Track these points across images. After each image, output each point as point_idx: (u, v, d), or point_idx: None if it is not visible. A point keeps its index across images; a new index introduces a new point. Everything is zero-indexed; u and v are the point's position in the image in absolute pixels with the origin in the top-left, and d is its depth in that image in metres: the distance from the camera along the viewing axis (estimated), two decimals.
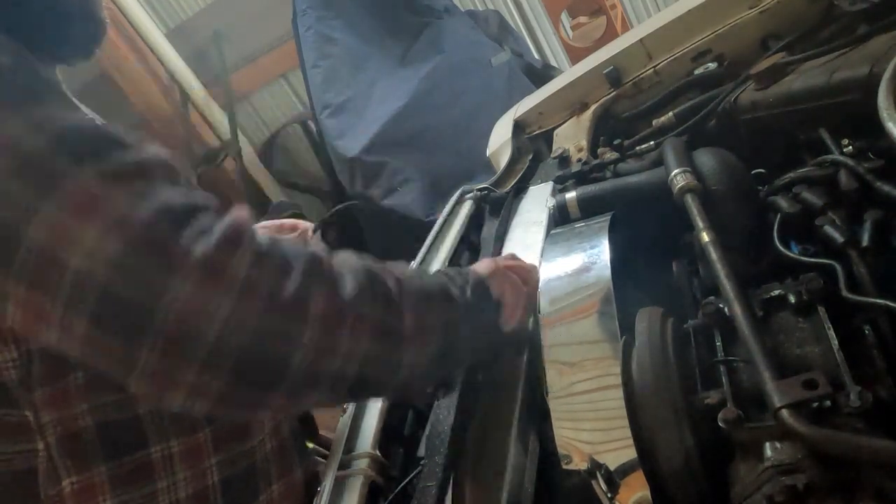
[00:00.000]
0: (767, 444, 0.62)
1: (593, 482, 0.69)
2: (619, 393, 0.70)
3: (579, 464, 0.71)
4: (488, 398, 0.88)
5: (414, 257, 1.26)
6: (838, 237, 0.77)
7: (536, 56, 3.54)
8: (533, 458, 0.79)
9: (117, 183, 0.59)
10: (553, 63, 3.57)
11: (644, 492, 0.65)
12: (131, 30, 3.65)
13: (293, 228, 1.41)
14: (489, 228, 1.31)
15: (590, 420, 0.76)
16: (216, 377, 0.59)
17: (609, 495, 0.67)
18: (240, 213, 0.64)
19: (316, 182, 4.04)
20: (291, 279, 0.61)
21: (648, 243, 1.03)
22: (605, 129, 1.44)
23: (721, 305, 0.77)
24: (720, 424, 0.64)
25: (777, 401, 0.59)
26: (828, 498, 0.56)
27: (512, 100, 1.93)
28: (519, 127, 1.64)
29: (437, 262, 1.23)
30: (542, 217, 1.19)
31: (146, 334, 0.57)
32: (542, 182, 1.40)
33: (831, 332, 0.68)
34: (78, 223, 0.57)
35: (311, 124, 3.67)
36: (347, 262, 0.69)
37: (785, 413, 0.58)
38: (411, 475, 0.88)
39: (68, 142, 0.59)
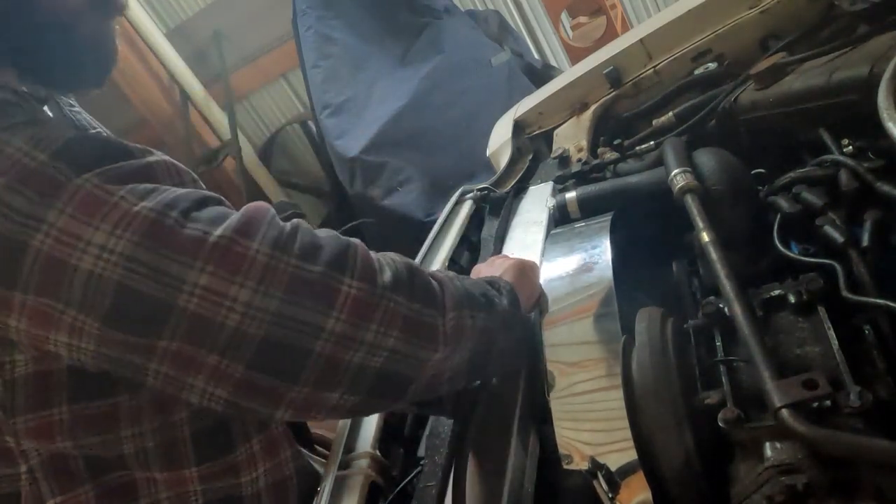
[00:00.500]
0: (767, 444, 0.62)
1: (594, 482, 0.69)
2: (620, 393, 0.70)
3: (580, 464, 0.71)
4: (488, 398, 0.88)
5: (414, 257, 1.26)
6: (838, 237, 0.77)
7: (536, 56, 3.53)
8: (533, 458, 0.79)
9: (122, 184, 0.59)
10: (553, 63, 3.57)
11: (646, 494, 0.65)
12: (131, 30, 3.64)
13: None
14: (489, 228, 1.31)
15: (591, 420, 0.76)
16: (237, 362, 0.59)
17: (610, 496, 0.67)
18: (257, 203, 0.63)
19: (316, 182, 4.03)
20: (318, 264, 0.61)
21: (648, 243, 1.03)
22: (606, 129, 1.44)
23: (721, 305, 0.77)
24: (720, 424, 0.64)
25: (777, 401, 0.58)
26: (828, 498, 0.56)
27: (512, 100, 1.93)
28: (519, 127, 1.63)
29: (437, 263, 1.22)
30: (542, 217, 1.19)
31: (166, 324, 0.57)
32: (542, 182, 1.40)
33: (831, 332, 0.68)
34: (85, 225, 0.57)
35: (311, 124, 3.67)
36: (389, 256, 0.68)
37: (785, 413, 0.58)
38: (411, 475, 0.88)
39: (70, 152, 0.59)
